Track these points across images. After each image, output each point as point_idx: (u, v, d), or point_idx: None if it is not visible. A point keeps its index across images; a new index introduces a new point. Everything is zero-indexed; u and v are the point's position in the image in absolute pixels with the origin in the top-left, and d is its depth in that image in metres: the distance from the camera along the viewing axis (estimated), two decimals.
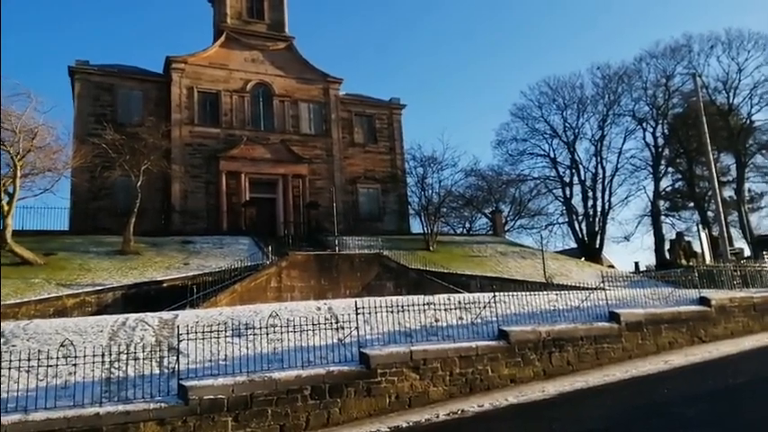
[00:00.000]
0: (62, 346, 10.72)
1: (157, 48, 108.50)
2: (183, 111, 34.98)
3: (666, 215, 50.35)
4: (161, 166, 28.97)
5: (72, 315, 18.36)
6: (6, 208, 22.59)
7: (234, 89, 36.63)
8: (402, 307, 13.67)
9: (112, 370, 10.81)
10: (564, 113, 49.23)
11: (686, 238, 43.94)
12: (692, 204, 49.04)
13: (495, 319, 14.21)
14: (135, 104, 34.55)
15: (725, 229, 29.25)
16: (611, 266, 44.48)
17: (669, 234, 47.54)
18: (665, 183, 49.59)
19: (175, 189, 33.47)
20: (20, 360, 10.04)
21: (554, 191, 50.78)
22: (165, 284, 21.89)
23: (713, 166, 29.98)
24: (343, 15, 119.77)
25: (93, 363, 10.51)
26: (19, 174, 22.70)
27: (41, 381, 10.20)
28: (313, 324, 12.53)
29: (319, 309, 14.48)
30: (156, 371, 10.97)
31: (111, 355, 10.93)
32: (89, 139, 30.05)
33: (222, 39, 37.27)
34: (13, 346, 11.44)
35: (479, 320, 14.26)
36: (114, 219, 28.83)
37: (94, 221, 30.57)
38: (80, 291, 20.28)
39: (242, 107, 36.63)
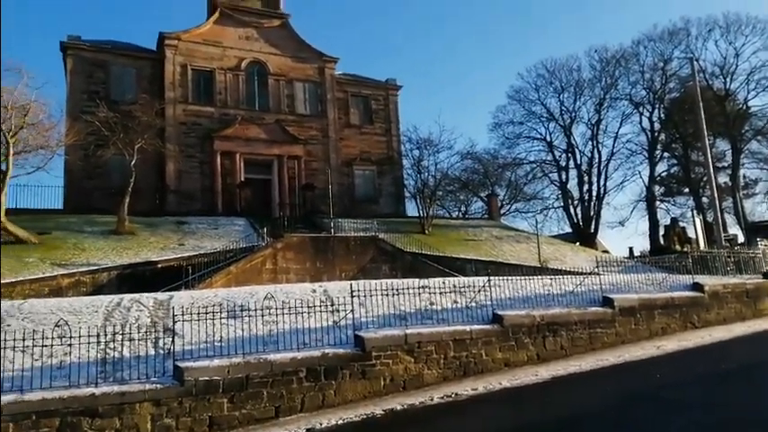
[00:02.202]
0: (57, 326, 10.70)
1: (151, 23, 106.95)
2: (177, 89, 34.63)
3: (661, 200, 50.50)
4: (155, 145, 28.72)
5: (67, 295, 18.32)
6: None
7: (228, 67, 36.25)
8: (397, 290, 13.68)
9: (108, 350, 10.81)
10: (561, 96, 49.08)
11: (681, 224, 44.18)
12: (687, 190, 49.18)
13: (489, 302, 14.26)
14: (128, 82, 34.18)
15: (719, 215, 29.41)
16: (606, 251, 44.65)
17: (664, 219, 47.80)
18: (660, 168, 49.71)
19: (170, 169, 33.26)
20: (14, 340, 10.01)
21: (550, 175, 50.83)
22: (160, 265, 21.86)
23: (708, 151, 29.98)
24: None
25: (89, 343, 10.50)
26: (11, 151, 22.50)
27: (37, 361, 10.19)
28: (308, 306, 12.54)
29: (314, 291, 14.49)
30: (152, 352, 10.97)
31: (106, 335, 10.91)
32: (82, 117, 29.77)
33: (216, 15, 36.77)
34: (8, 325, 11.39)
35: (474, 304, 14.30)
36: (109, 198, 28.63)
37: (89, 200, 30.37)
38: (75, 270, 20.24)
39: (236, 86, 36.29)
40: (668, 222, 45.05)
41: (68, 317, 11.72)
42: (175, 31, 35.35)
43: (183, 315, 11.24)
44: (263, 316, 12.09)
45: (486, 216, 43.66)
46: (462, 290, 14.93)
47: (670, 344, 14.31)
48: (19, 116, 22.94)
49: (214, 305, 12.35)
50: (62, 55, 33.91)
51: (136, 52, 35.70)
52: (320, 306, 12.76)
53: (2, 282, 18.31)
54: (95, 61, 33.87)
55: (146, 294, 13.84)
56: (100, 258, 21.69)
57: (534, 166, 50.90)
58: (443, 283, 15.13)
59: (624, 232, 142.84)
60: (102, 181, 31.28)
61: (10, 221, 22.33)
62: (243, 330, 11.78)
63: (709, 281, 18.41)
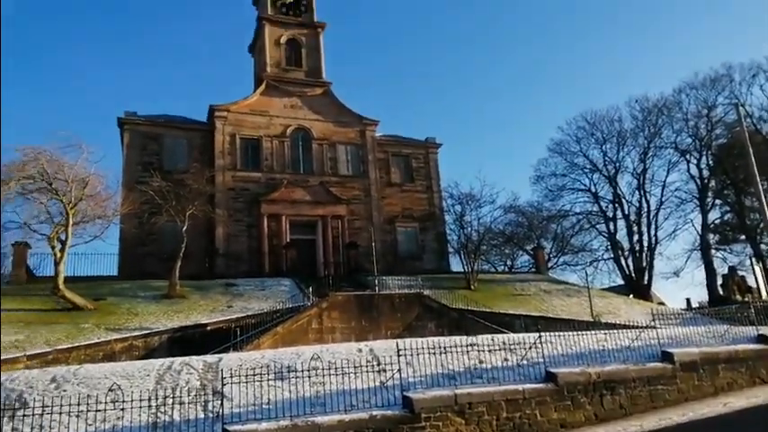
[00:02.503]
0: (110, 390, 10.94)
1: (201, 97, 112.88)
2: (226, 157, 36.08)
3: (717, 249, 48.41)
4: (205, 211, 29.73)
5: (120, 359, 18.72)
6: (59, 255, 23.43)
7: (274, 134, 37.67)
8: (444, 348, 13.47)
9: (158, 414, 10.92)
10: (603, 147, 48.49)
11: (739, 273, 42.19)
12: (743, 237, 47.09)
13: (541, 360, 13.82)
14: (180, 152, 35.82)
15: None
16: (662, 303, 42.85)
17: (721, 268, 45.66)
18: (713, 215, 47.91)
19: (219, 233, 34.24)
20: (70, 405, 10.27)
21: (597, 226, 49.63)
22: (209, 327, 22.15)
23: (762, 196, 28.83)
24: (377, 56, 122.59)
25: (140, 407, 10.66)
26: (71, 222, 23.58)
27: (90, 425, 10.39)
28: (355, 366, 12.44)
29: (360, 350, 14.38)
30: (201, 415, 11.03)
31: (157, 399, 11.06)
32: (137, 187, 31.19)
33: (263, 87, 38.61)
34: (64, 390, 11.71)
35: (525, 362, 13.89)
36: (161, 263, 29.54)
37: (142, 266, 31.39)
38: (128, 335, 20.70)
39: (282, 151, 37.57)
40: (726, 271, 43.09)
41: (121, 381, 11.96)
42: (225, 104, 37.21)
43: (231, 377, 11.32)
44: (309, 377, 12.06)
45: (533, 270, 42.78)
46: (512, 347, 14.56)
47: (738, 401, 13.46)
48: (79, 188, 24.20)
49: (262, 367, 12.41)
50: (119, 130, 36.01)
51: (187, 124, 37.60)
52: (366, 366, 12.64)
53: (60, 348, 18.97)
54: (150, 134, 35.79)
55: (195, 357, 14.02)
56: (152, 322, 22.18)
57: (580, 217, 49.94)
58: (492, 340, 14.80)
59: (680, 283, 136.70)
60: (154, 247, 32.38)
61: (68, 289, 23.21)
62: (290, 392, 11.75)
63: None
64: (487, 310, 26.64)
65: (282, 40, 40.57)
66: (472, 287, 31.67)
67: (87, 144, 25.16)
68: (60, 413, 10.14)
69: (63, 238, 23.80)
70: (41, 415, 10.05)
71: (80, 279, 26.88)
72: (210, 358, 14.00)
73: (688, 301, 46.35)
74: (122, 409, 10.60)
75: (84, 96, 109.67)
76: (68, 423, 10.20)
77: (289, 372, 12.32)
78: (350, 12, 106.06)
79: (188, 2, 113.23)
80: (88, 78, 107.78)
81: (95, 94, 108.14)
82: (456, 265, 38.65)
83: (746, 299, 28.28)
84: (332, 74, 41.47)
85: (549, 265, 46.84)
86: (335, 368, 12.24)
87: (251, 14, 44.72)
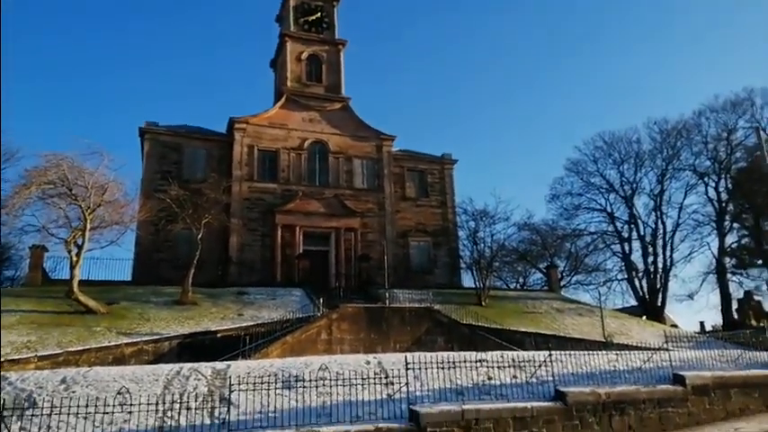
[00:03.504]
0: (119, 393, 11.03)
1: (220, 108, 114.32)
2: (244, 168, 36.46)
3: (733, 273, 47.63)
4: (221, 220, 30.02)
5: (130, 363, 18.86)
6: (75, 259, 23.74)
7: (292, 147, 38.02)
8: (453, 363, 13.41)
9: (165, 419, 10.99)
10: (620, 168, 48.18)
11: (756, 298, 41.45)
12: (760, 262, 46.35)
13: (551, 378, 13.70)
14: (199, 162, 36.28)
15: None
16: (675, 326, 42.24)
17: (736, 293, 44.88)
18: (730, 239, 47.23)
19: (233, 241, 34.51)
20: (78, 406, 10.37)
21: (612, 246, 49.13)
22: (219, 334, 22.26)
23: None
24: (397, 71, 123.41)
25: (148, 411, 10.74)
26: (88, 227, 23.92)
27: (98, 427, 10.48)
28: (362, 378, 12.43)
29: (369, 362, 14.37)
30: (207, 421, 11.08)
31: (164, 404, 11.13)
32: (155, 195, 31.59)
33: (282, 100, 39.11)
34: (73, 392, 11.83)
35: (534, 380, 13.78)
36: (174, 270, 29.80)
37: (156, 272, 31.68)
38: (138, 339, 20.88)
39: (299, 164, 37.89)
40: (742, 296, 42.36)
41: (130, 384, 12.06)
42: (244, 116, 37.68)
43: (239, 385, 11.37)
44: (317, 387, 12.07)
45: (545, 288, 42.41)
46: (522, 364, 14.45)
47: (749, 426, 13.22)
48: (98, 195, 24.57)
49: (269, 375, 12.45)
50: (140, 139, 36.58)
51: (207, 135, 38.10)
52: (374, 378, 12.63)
53: (71, 350, 19.19)
54: (170, 144, 36.31)
55: (204, 364, 14.10)
56: (163, 328, 22.34)
57: (595, 237, 49.48)
58: (502, 356, 14.72)
59: (694, 306, 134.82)
60: (169, 254, 32.71)
61: (82, 292, 23.48)
62: (297, 401, 11.76)
63: None
64: (498, 326, 26.44)
65: (304, 56, 41.09)
66: (483, 303, 31.48)
67: (108, 152, 25.59)
68: (69, 414, 10.25)
69: (80, 242, 24.12)
70: (50, 415, 10.16)
71: (94, 283, 27.18)
72: (219, 365, 14.06)
73: (702, 324, 45.72)
74: (130, 413, 10.70)
75: (103, 106, 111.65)
76: (76, 424, 10.30)
77: (296, 381, 12.34)
78: (374, 31, 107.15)
79: (213, 18, 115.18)
80: (112, 88, 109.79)
81: (118, 104, 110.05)
82: (468, 280, 38.55)
83: (762, 324, 27.80)
84: (351, 90, 41.94)
85: (562, 283, 46.41)
86: (343, 379, 12.24)
87: (274, 30, 45.50)
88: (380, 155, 40.31)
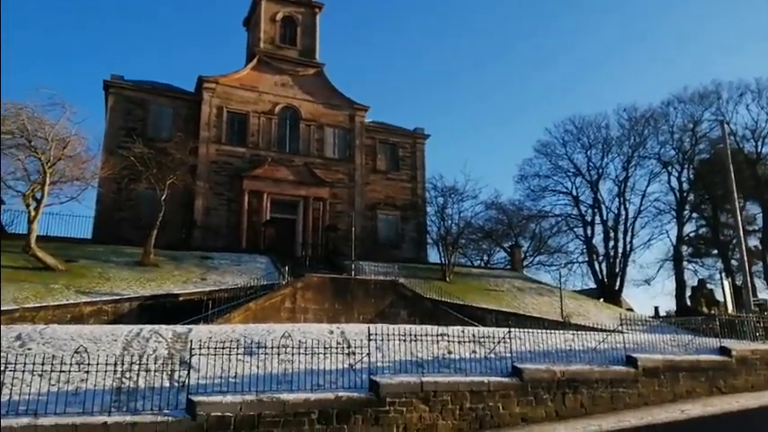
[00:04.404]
0: (76, 352, 10.83)
1: (190, 67, 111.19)
2: (212, 129, 35.65)
3: (689, 261, 49.47)
4: (186, 182, 29.40)
5: (88, 322, 18.54)
6: (33, 213, 23.02)
7: (262, 111, 37.29)
8: (415, 336, 13.59)
9: (123, 380, 10.87)
10: (588, 152, 49.08)
11: (708, 286, 43.14)
12: (715, 252, 48.16)
13: (509, 355, 14.02)
14: (165, 120, 35.30)
15: (749, 278, 28.64)
16: (631, 309, 43.63)
17: (691, 280, 46.70)
18: (688, 228, 48.91)
19: (198, 205, 33.93)
20: (34, 364, 10.16)
21: (575, 229, 50.32)
22: (181, 298, 22.03)
23: (738, 214, 29.51)
24: (371, 42, 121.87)
25: (106, 371, 10.60)
26: (48, 181, 23.17)
27: (53, 385, 10.30)
28: (325, 347, 12.50)
29: (332, 332, 14.45)
30: (167, 384, 10.99)
31: (123, 364, 11.00)
32: (118, 152, 30.66)
33: (254, 62, 38.14)
34: (29, 349, 11.58)
35: (493, 355, 14.08)
36: (136, 230, 29.20)
37: (117, 232, 31.01)
38: (98, 299, 20.49)
39: (269, 129, 37.23)
40: (696, 284, 44.03)
41: (88, 344, 11.86)
42: (214, 75, 36.67)
43: (200, 349, 11.30)
44: (278, 354, 12.08)
45: (508, 267, 43.21)
46: (482, 340, 14.74)
47: (695, 408, 13.82)
48: (58, 148, 23.72)
49: (231, 341, 12.40)
50: (104, 93, 35.29)
51: (174, 93, 37.00)
52: (336, 348, 12.71)
53: (27, 306, 18.71)
54: (135, 100, 35.17)
55: (165, 326, 13.96)
56: (123, 288, 21.97)
57: (559, 219, 50.56)
58: (462, 332, 14.96)
59: (650, 291, 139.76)
60: (131, 213, 31.99)
61: (40, 248, 22.84)
62: (258, 368, 11.75)
63: (737, 345, 17.89)
64: (460, 302, 26.86)
65: (278, 16, 40.01)
66: (448, 279, 31.89)
67: (70, 104, 24.62)
68: (24, 371, 10.03)
69: (39, 196, 23.38)
70: (3, 371, 9.92)
71: (53, 239, 26.44)
72: (180, 328, 13.94)
73: (656, 309, 47.42)
74: (87, 372, 10.53)
75: (69, 57, 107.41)
76: (31, 381, 10.09)
77: (258, 348, 12.32)
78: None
79: None
80: (76, 38, 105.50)
81: (82, 55, 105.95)
82: (434, 256, 38.88)
83: (713, 312, 28.89)
84: (326, 56, 41.13)
85: (525, 263, 47.33)
86: (305, 348, 12.28)
87: None
88: (353, 125, 39.94)
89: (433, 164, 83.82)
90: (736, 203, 29.38)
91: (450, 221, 35.37)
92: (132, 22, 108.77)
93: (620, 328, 19.10)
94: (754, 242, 45.81)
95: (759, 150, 45.58)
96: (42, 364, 10.23)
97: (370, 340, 12.68)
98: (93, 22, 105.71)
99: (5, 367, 9.86)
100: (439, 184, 37.14)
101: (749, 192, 44.10)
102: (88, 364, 10.54)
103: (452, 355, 13.86)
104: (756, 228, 46.68)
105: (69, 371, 10.39)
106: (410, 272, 30.31)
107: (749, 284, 28.09)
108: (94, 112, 55.91)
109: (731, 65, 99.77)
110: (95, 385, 10.37)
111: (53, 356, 10.64)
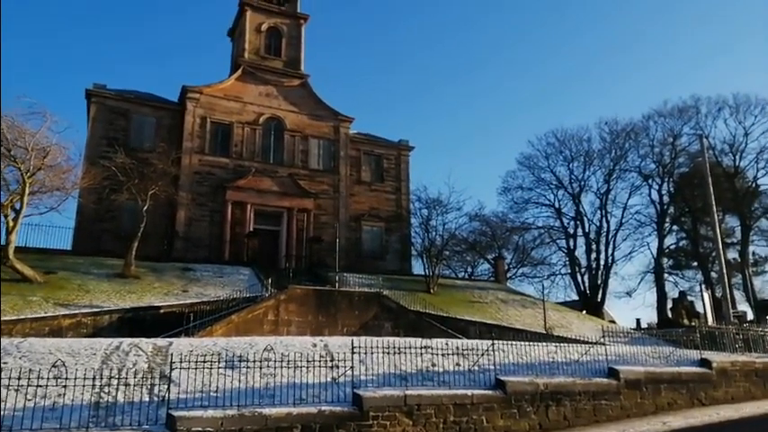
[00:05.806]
0: (54, 366, 10.61)
1: (174, 77, 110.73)
2: (195, 139, 35.45)
3: (670, 273, 50.10)
4: (168, 193, 29.11)
5: (67, 335, 18.21)
6: (11, 224, 22.65)
7: (246, 121, 37.18)
8: (399, 349, 13.53)
9: (102, 394, 10.67)
10: (570, 165, 49.66)
11: (689, 298, 43.58)
12: (695, 264, 48.84)
13: (492, 367, 14.02)
14: (148, 130, 35.04)
15: (728, 290, 29.07)
16: (613, 321, 43.96)
17: (672, 292, 47.21)
18: (669, 240, 49.55)
19: (180, 216, 33.62)
20: (9, 378, 9.93)
21: (558, 241, 50.77)
22: (162, 310, 21.75)
23: (718, 227, 29.99)
24: (357, 56, 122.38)
25: (84, 386, 10.39)
26: (27, 191, 22.83)
27: (30, 401, 10.06)
28: (308, 360, 12.39)
29: (315, 345, 14.34)
30: (146, 398, 10.81)
31: (101, 379, 10.79)
32: (100, 162, 30.34)
33: (239, 72, 38.07)
34: (5, 363, 11.31)
35: (477, 368, 14.06)
36: (117, 241, 28.86)
37: (98, 243, 30.62)
38: (77, 311, 20.16)
39: (253, 139, 37.12)
40: (676, 296, 44.48)
41: (66, 358, 11.64)
42: (198, 85, 36.51)
43: (180, 363, 11.13)
44: (261, 368, 11.95)
45: (492, 278, 43.35)
46: (465, 352, 14.73)
47: (676, 420, 13.92)
48: (39, 158, 23.41)
49: (213, 354, 12.25)
50: (86, 102, 34.95)
51: (157, 103, 36.76)
52: (320, 361, 12.61)
53: (4, 319, 18.30)
54: (118, 109, 34.87)
55: (145, 340, 13.75)
56: (103, 301, 21.64)
57: (542, 231, 50.98)
58: (446, 344, 14.94)
59: (631, 303, 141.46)
60: (112, 224, 31.60)
61: (18, 259, 22.45)
62: (240, 382, 11.62)
63: (717, 357, 18.07)
64: (444, 314, 26.85)
65: (263, 27, 40.07)
66: (432, 291, 31.89)
67: (52, 113, 24.32)
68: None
69: (18, 206, 23.03)
70: None
71: (32, 250, 26.04)
72: (161, 342, 13.74)
73: (638, 321, 47.77)
74: (65, 386, 10.30)
75: (52, 65, 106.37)
76: (6, 396, 9.86)
77: (240, 361, 12.18)
78: (335, 11, 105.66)
79: None
80: (59, 45, 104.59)
81: (64, 64, 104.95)
82: (418, 267, 38.92)
83: (693, 324, 29.26)
84: (311, 68, 41.18)
85: (508, 275, 47.59)
86: (288, 361, 12.15)
87: None
88: (338, 136, 39.97)
89: (417, 175, 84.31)
90: (716, 216, 29.88)
91: (434, 233, 35.47)
92: (116, 31, 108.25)
93: (602, 339, 19.20)
94: (733, 255, 46.59)
95: (737, 164, 46.48)
96: (18, 379, 10.00)
97: (353, 353, 12.60)
98: (77, 30, 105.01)
99: None
100: (423, 195, 37.26)
101: (728, 205, 44.86)
102: (66, 379, 10.32)
103: (436, 368, 13.82)
104: (735, 240, 47.45)
105: (47, 385, 10.17)
106: (394, 284, 30.28)
107: (728, 296, 28.51)
108: (76, 122, 55.32)
109: (705, 78, 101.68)
110: (73, 400, 10.16)
111: (30, 370, 10.41)
